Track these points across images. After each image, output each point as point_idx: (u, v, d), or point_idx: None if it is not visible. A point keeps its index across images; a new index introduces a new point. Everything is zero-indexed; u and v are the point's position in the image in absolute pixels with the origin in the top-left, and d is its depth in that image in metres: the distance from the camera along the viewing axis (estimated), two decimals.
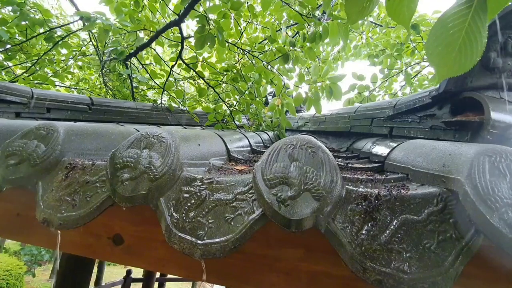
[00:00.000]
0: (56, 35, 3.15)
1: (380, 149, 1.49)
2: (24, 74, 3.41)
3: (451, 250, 0.68)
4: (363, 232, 0.73)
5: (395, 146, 1.30)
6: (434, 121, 1.49)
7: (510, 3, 1.16)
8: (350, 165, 1.35)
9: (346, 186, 0.81)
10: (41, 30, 3.26)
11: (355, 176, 1.05)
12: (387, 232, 0.72)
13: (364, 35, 5.14)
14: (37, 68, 3.52)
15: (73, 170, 0.98)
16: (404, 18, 0.82)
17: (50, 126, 1.07)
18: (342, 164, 1.36)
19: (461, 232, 0.69)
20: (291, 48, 2.81)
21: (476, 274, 0.82)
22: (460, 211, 0.71)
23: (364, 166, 1.32)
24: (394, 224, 0.72)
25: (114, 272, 11.89)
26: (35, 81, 3.43)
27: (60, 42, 3.22)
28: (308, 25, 2.80)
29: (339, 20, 2.53)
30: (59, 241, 0.96)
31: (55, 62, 3.67)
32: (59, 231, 0.91)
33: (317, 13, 2.81)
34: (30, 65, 3.43)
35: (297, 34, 3.65)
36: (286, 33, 3.56)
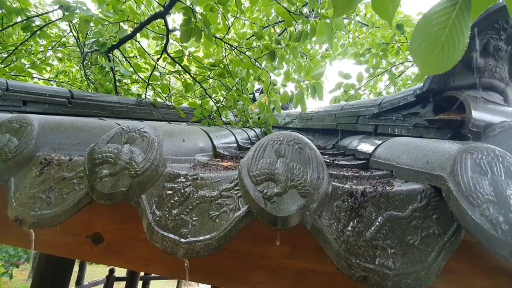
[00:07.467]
0: (34, 25, 2.99)
1: (366, 147, 1.50)
2: (0, 65, 3.23)
3: (434, 246, 0.68)
4: (349, 228, 0.72)
5: (380, 144, 1.31)
6: (418, 119, 1.52)
7: (492, 5, 1.19)
8: (336, 162, 1.35)
9: (332, 182, 0.81)
10: (18, 19, 3.09)
11: (341, 172, 1.05)
12: (372, 228, 0.72)
13: (351, 34, 5.20)
14: (14, 59, 3.35)
15: (48, 166, 0.93)
16: (388, 13, 0.82)
17: (24, 119, 1.01)
18: (328, 161, 1.37)
19: (444, 228, 0.70)
20: (277, 46, 2.79)
21: (458, 269, 0.84)
22: (443, 207, 0.72)
23: (350, 163, 1.33)
24: (379, 220, 0.73)
25: (96, 271, 11.58)
26: (11, 73, 3.26)
27: (38, 32, 3.06)
28: (296, 22, 2.79)
29: (327, 20, 2.53)
30: (33, 240, 0.90)
31: (33, 53, 3.50)
32: (32, 230, 0.86)
33: (305, 10, 2.81)
34: (6, 55, 3.25)
35: (285, 31, 3.63)
36: (274, 30, 3.54)
